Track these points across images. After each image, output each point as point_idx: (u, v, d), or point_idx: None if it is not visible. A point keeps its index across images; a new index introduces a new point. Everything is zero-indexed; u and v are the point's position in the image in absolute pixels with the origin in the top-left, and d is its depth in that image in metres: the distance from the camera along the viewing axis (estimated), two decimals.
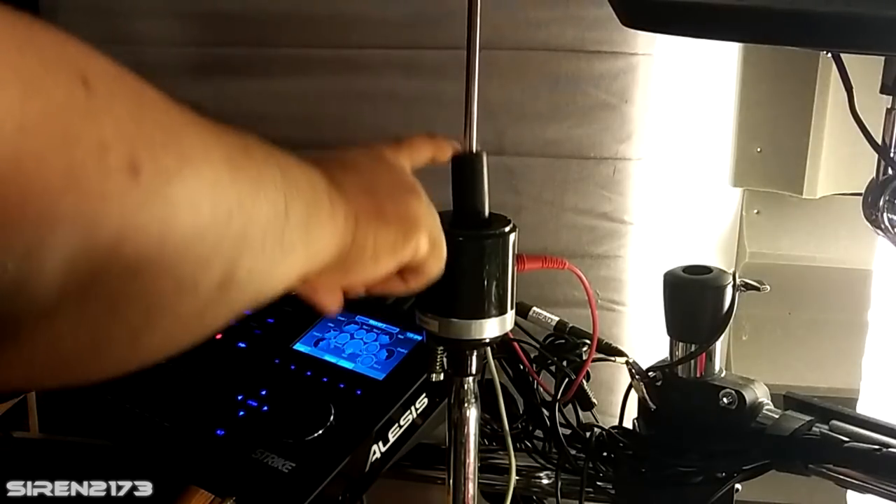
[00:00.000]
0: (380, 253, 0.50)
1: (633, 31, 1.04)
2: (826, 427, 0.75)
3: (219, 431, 0.75)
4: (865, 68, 0.73)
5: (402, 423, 0.77)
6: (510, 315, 0.62)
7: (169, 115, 0.34)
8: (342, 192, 0.47)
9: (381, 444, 0.75)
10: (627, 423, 0.86)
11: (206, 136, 0.36)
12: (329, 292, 0.54)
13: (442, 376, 0.65)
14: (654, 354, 0.85)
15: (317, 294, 0.54)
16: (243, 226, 0.37)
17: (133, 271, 0.32)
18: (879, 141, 0.74)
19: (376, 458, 0.75)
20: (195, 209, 0.34)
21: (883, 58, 0.72)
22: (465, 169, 0.60)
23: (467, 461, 0.66)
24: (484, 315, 0.60)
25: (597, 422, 0.86)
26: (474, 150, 0.61)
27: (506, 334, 0.63)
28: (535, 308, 0.84)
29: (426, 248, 0.53)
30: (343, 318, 0.85)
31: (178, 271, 0.34)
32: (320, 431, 0.73)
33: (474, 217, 0.60)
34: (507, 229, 0.60)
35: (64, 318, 0.31)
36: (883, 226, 0.74)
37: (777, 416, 0.78)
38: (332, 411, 0.74)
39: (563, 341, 0.84)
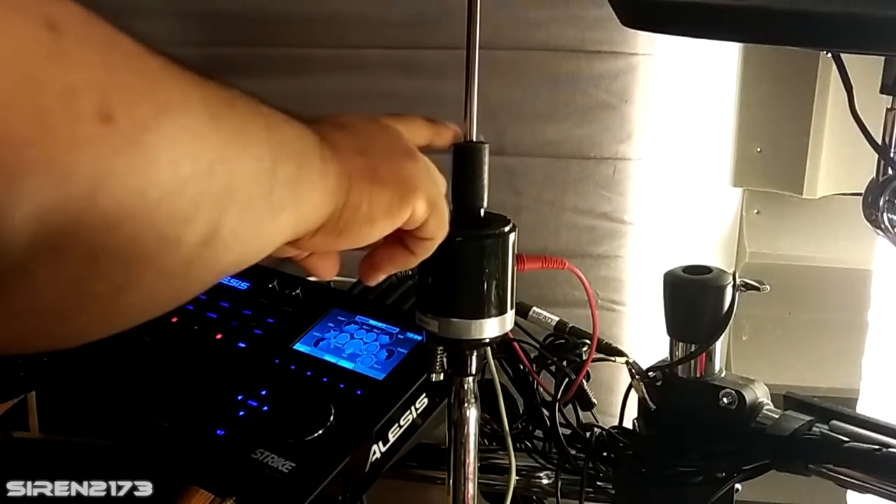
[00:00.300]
0: (374, 215, 0.48)
1: (633, 31, 1.04)
2: (826, 427, 0.75)
3: (219, 431, 0.75)
4: (865, 68, 0.73)
5: (402, 423, 0.77)
6: (510, 315, 0.62)
7: (145, 62, 0.33)
8: (335, 152, 0.46)
9: (381, 444, 0.75)
10: (627, 423, 0.86)
11: (186, 85, 0.35)
12: (323, 257, 0.53)
13: (442, 376, 0.65)
14: (654, 354, 0.85)
15: (310, 260, 0.53)
16: (227, 181, 0.36)
17: (112, 224, 0.31)
18: (879, 141, 0.74)
19: (376, 458, 0.75)
20: (175, 160, 0.33)
21: (883, 58, 0.72)
22: (467, 159, 0.60)
23: (467, 461, 0.66)
24: (484, 315, 0.60)
25: (597, 422, 0.86)
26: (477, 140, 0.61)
27: (506, 334, 0.63)
28: (535, 308, 0.84)
29: (424, 210, 0.51)
30: (343, 318, 0.86)
31: (159, 225, 0.33)
32: (320, 431, 0.73)
33: (472, 211, 0.60)
34: (506, 229, 0.60)
35: (40, 273, 0.31)
36: (883, 226, 0.74)
37: (777, 416, 0.78)
38: (332, 411, 0.74)
39: (563, 341, 0.84)
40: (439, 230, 0.54)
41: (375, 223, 0.49)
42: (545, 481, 0.91)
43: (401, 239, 0.54)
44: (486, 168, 0.60)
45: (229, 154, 0.36)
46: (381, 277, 0.56)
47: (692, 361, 0.80)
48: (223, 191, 0.36)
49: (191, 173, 0.34)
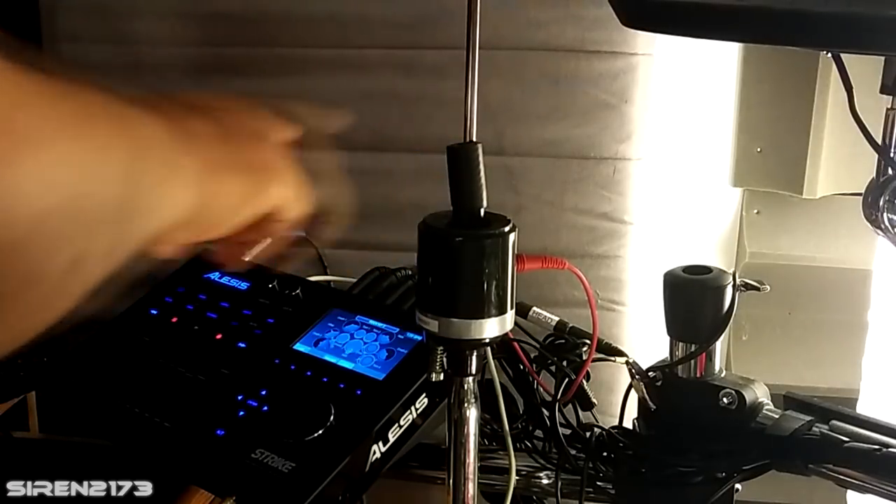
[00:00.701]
0: (235, 204, 0.48)
1: (633, 31, 1.04)
2: (826, 427, 0.75)
3: (219, 431, 0.75)
4: (865, 68, 0.73)
5: (402, 423, 0.77)
6: (510, 315, 0.62)
7: (1, 88, 0.31)
8: (195, 143, 0.45)
9: (381, 444, 0.75)
10: (627, 423, 0.86)
11: (44, 110, 0.33)
12: (174, 246, 0.51)
13: (442, 376, 0.65)
14: (654, 354, 0.85)
15: (164, 248, 0.51)
16: (92, 203, 0.34)
17: None
18: (879, 141, 0.74)
19: (376, 458, 0.75)
20: (39, 193, 0.31)
21: (883, 58, 0.72)
22: (461, 159, 0.60)
23: (467, 461, 0.66)
24: (484, 315, 0.60)
25: (597, 422, 0.86)
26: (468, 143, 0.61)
27: (506, 334, 0.63)
28: (535, 308, 0.84)
29: (285, 195, 0.51)
30: (343, 318, 0.85)
31: (24, 261, 0.31)
32: (320, 431, 0.73)
33: (472, 211, 0.60)
34: (506, 229, 0.60)
35: None
36: (883, 226, 0.74)
37: (777, 416, 0.78)
38: (332, 411, 0.74)
39: (563, 341, 0.84)
40: (300, 212, 0.53)
41: (238, 212, 0.48)
42: (545, 481, 0.91)
43: (261, 224, 0.53)
44: (482, 168, 0.60)
45: (92, 174, 0.34)
46: (243, 264, 0.56)
47: (692, 361, 0.80)
48: (88, 214, 0.34)
49: (56, 204, 0.32)
